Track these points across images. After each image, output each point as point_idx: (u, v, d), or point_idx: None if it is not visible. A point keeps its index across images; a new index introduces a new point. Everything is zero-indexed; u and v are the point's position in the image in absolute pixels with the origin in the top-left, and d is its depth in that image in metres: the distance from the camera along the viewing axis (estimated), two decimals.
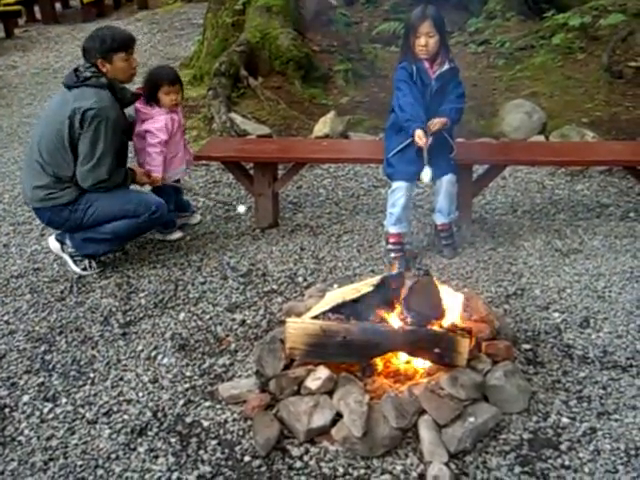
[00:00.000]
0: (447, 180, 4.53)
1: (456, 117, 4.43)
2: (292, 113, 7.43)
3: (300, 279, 4.49)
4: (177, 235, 5.07)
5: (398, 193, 4.51)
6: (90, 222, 4.44)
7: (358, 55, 8.77)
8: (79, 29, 12.80)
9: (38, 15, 13.90)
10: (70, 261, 4.61)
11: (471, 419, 3.04)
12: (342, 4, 10.03)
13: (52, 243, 4.69)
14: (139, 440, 3.18)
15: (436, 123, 4.31)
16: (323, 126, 6.77)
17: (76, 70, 4.37)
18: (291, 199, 5.71)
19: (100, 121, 4.23)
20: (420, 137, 4.25)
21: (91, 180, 4.33)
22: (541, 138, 6.58)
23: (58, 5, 14.51)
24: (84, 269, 4.60)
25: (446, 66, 4.38)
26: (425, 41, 4.29)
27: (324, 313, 3.36)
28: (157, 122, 4.71)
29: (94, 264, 4.64)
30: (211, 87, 7.73)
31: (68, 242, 4.59)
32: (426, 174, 4.28)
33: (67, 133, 4.27)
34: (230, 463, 3.03)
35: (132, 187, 4.73)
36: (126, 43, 4.43)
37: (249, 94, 7.88)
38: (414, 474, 2.93)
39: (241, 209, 4.99)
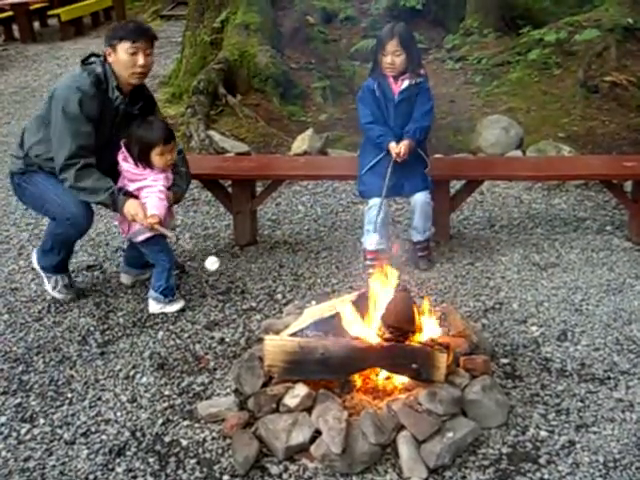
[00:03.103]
0: (421, 199, 4.55)
1: (421, 137, 4.49)
2: (270, 130, 7.44)
3: (279, 296, 4.49)
4: (179, 306, 4.40)
5: (374, 210, 4.53)
6: (26, 203, 4.43)
7: (336, 72, 8.82)
8: (57, 48, 12.78)
9: (16, 34, 13.86)
10: (44, 276, 4.51)
11: (450, 434, 3.05)
12: (320, 22, 10.09)
13: (33, 256, 4.61)
14: (117, 460, 3.16)
15: (402, 146, 4.35)
16: (301, 143, 6.79)
17: (95, 54, 4.18)
18: (270, 216, 5.71)
19: (58, 100, 3.98)
20: (394, 147, 4.34)
21: (56, 165, 4.05)
22: (518, 153, 6.62)
23: (36, 24, 14.48)
24: (53, 288, 4.47)
25: (413, 81, 4.42)
26: (391, 59, 4.35)
27: (302, 330, 3.37)
28: (152, 176, 4.13)
29: (60, 287, 4.47)
30: (189, 105, 7.73)
31: (37, 254, 4.54)
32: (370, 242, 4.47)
33: (44, 105, 4.15)
34: None
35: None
36: (135, 33, 3.98)
37: (227, 112, 7.88)
38: None
39: (210, 265, 4.15)
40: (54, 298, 4.52)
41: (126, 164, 4.14)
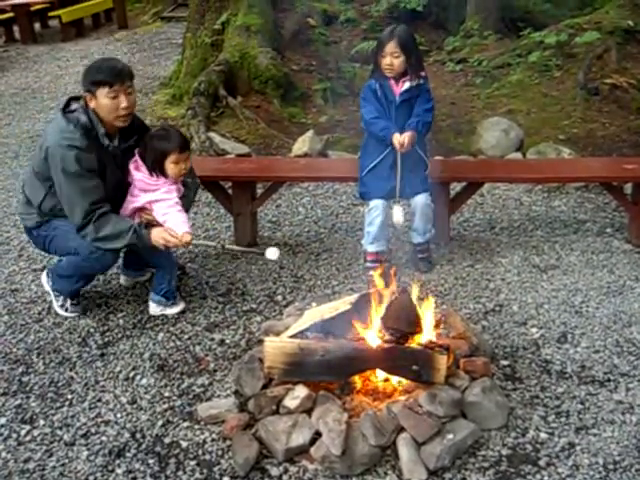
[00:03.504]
0: (422, 201, 4.56)
1: (423, 129, 4.47)
2: (271, 132, 7.45)
3: (279, 298, 4.49)
4: (179, 308, 4.41)
5: (375, 212, 4.54)
6: (52, 251, 4.34)
7: (337, 74, 8.82)
8: (58, 49, 12.78)
9: (17, 35, 13.87)
10: (53, 295, 4.44)
11: (450, 436, 3.05)
12: (321, 23, 10.08)
13: (43, 277, 4.56)
14: (117, 462, 3.16)
15: (405, 137, 4.34)
16: (302, 145, 6.80)
17: (74, 98, 4.08)
18: (270, 218, 5.71)
19: (56, 161, 3.89)
20: (398, 138, 4.31)
21: (74, 225, 4.00)
22: (518, 155, 6.63)
23: (37, 25, 14.48)
24: (61, 306, 4.40)
25: (413, 83, 4.42)
26: (390, 61, 4.36)
27: (302, 332, 3.37)
28: (165, 188, 4.09)
29: (68, 305, 4.39)
30: (190, 106, 7.73)
31: (49, 275, 4.47)
32: (397, 215, 4.37)
33: (37, 160, 4.07)
34: None
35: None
36: (111, 77, 3.85)
37: (228, 113, 7.89)
38: None
39: (271, 254, 3.99)
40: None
41: (139, 173, 4.09)
